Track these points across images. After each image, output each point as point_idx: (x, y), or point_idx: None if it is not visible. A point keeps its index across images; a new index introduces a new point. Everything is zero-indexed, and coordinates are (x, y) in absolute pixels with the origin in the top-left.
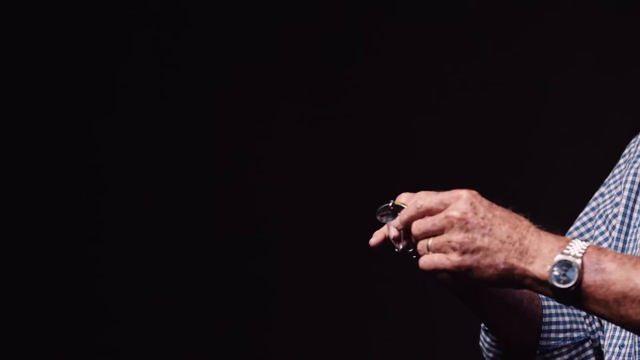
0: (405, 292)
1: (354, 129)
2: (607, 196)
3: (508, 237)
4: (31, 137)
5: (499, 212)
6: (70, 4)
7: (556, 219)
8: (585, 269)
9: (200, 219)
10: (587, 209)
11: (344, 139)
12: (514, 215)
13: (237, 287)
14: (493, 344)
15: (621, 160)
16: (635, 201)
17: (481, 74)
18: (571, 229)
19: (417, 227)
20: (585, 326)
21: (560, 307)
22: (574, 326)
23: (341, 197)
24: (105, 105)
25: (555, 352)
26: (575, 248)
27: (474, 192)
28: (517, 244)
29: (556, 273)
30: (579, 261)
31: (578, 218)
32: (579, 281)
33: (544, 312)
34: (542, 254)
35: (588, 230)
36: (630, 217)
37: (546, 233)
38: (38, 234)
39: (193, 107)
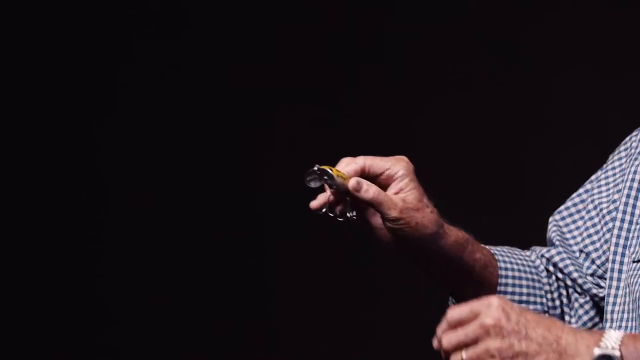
0: (405, 291)
1: (354, 129)
2: (602, 182)
3: (544, 339)
4: (31, 137)
5: (531, 316)
6: (70, 4)
7: None
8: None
9: (200, 219)
10: (581, 190)
11: (344, 139)
12: (546, 317)
13: (237, 287)
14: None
15: (622, 150)
16: (636, 198)
17: (481, 74)
18: (561, 207)
19: (448, 340)
20: (544, 300)
21: (519, 279)
22: (531, 298)
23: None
24: (105, 106)
25: None
26: (611, 340)
27: (504, 298)
28: (554, 345)
29: None
30: (617, 352)
31: (570, 198)
32: None
33: (500, 281)
34: (580, 351)
35: (578, 212)
36: (632, 214)
37: (580, 330)
38: (38, 234)
39: (193, 107)
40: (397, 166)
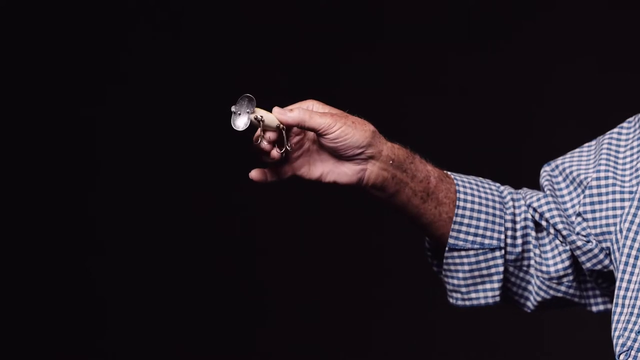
0: (406, 292)
1: None
2: (621, 159)
3: None
4: (29, 137)
5: None
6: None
7: None
8: None
9: (200, 219)
10: (584, 148)
11: None
12: None
13: (237, 287)
14: (427, 245)
15: (630, 134)
16: None
17: (481, 73)
18: (559, 161)
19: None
20: (502, 236)
21: (479, 212)
22: (488, 233)
23: (341, 196)
24: (104, 105)
25: (463, 253)
26: None
27: None
28: None
29: None
30: None
31: (570, 152)
32: None
33: (457, 212)
34: None
35: (578, 169)
36: None
37: None
38: (37, 233)
39: (192, 107)
40: (306, 103)
